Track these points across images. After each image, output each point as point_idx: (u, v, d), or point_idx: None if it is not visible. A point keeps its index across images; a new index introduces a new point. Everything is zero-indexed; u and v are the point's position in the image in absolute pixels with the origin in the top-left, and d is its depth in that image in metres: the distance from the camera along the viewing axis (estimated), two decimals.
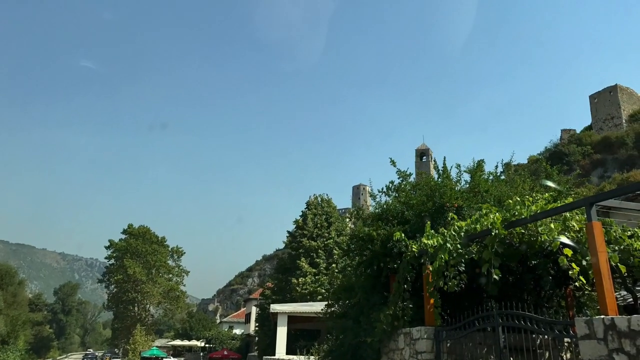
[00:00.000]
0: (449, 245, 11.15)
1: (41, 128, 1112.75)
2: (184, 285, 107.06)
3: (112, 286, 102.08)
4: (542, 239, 10.59)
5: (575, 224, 10.55)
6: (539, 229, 10.67)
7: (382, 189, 16.87)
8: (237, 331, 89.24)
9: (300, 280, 45.25)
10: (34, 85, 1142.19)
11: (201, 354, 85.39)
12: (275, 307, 34.33)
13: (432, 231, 12.20)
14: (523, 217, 10.28)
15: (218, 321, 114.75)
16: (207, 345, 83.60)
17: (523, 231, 10.90)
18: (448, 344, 11.73)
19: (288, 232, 54.04)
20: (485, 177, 16.20)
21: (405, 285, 12.55)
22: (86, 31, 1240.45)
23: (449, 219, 12.80)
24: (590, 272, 9.64)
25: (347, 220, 53.41)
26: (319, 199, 54.70)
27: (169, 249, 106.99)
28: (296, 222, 52.77)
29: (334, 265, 41.38)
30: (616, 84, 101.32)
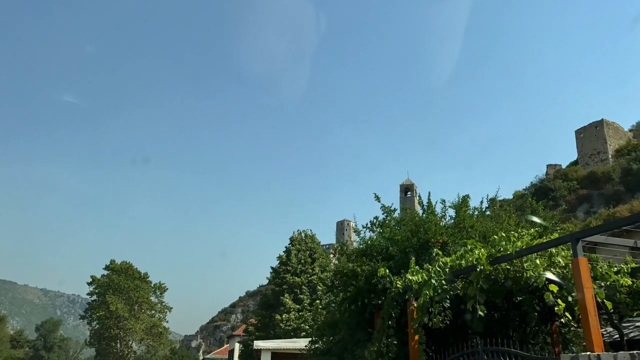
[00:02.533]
0: (433, 281, 11.06)
1: (22, 163, 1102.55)
2: (167, 322, 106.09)
3: (94, 322, 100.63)
4: (528, 275, 10.54)
5: (561, 260, 10.52)
6: (525, 264, 10.63)
7: (367, 224, 16.76)
8: None
9: (284, 316, 44.91)
10: (15, 119, 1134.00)
11: None
12: (258, 344, 33.86)
13: (417, 267, 12.09)
14: (508, 252, 10.24)
15: (201, 358, 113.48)
16: None
17: (508, 267, 10.85)
18: None
19: (271, 268, 53.76)
20: (471, 212, 16.16)
21: (390, 322, 12.39)
22: (68, 64, 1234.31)
23: (434, 254, 12.72)
24: (576, 308, 9.57)
25: (331, 256, 53.13)
26: (303, 234, 54.47)
27: (152, 285, 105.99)
28: (280, 258, 52.46)
29: (317, 301, 41.01)
30: (602, 119, 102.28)
